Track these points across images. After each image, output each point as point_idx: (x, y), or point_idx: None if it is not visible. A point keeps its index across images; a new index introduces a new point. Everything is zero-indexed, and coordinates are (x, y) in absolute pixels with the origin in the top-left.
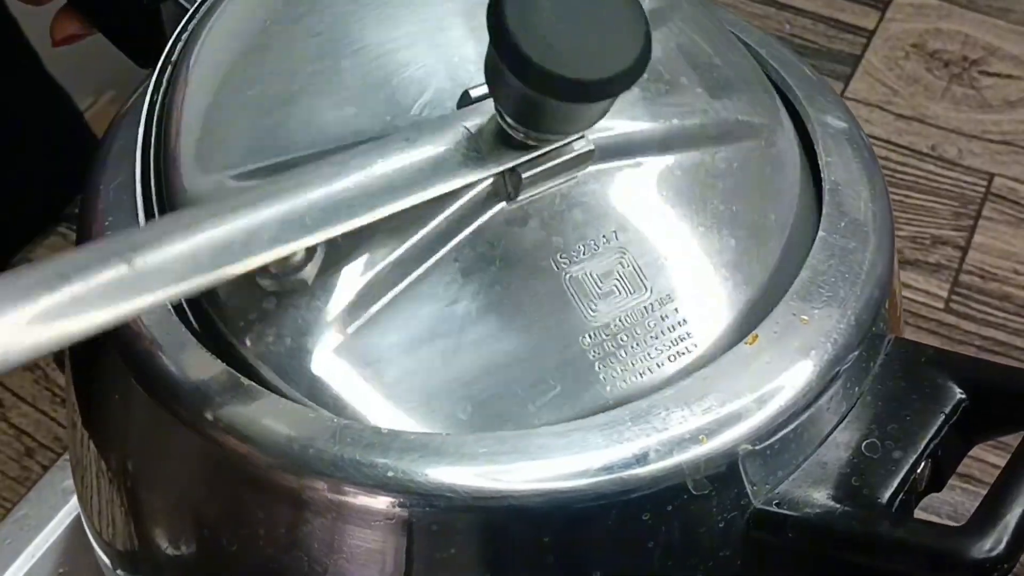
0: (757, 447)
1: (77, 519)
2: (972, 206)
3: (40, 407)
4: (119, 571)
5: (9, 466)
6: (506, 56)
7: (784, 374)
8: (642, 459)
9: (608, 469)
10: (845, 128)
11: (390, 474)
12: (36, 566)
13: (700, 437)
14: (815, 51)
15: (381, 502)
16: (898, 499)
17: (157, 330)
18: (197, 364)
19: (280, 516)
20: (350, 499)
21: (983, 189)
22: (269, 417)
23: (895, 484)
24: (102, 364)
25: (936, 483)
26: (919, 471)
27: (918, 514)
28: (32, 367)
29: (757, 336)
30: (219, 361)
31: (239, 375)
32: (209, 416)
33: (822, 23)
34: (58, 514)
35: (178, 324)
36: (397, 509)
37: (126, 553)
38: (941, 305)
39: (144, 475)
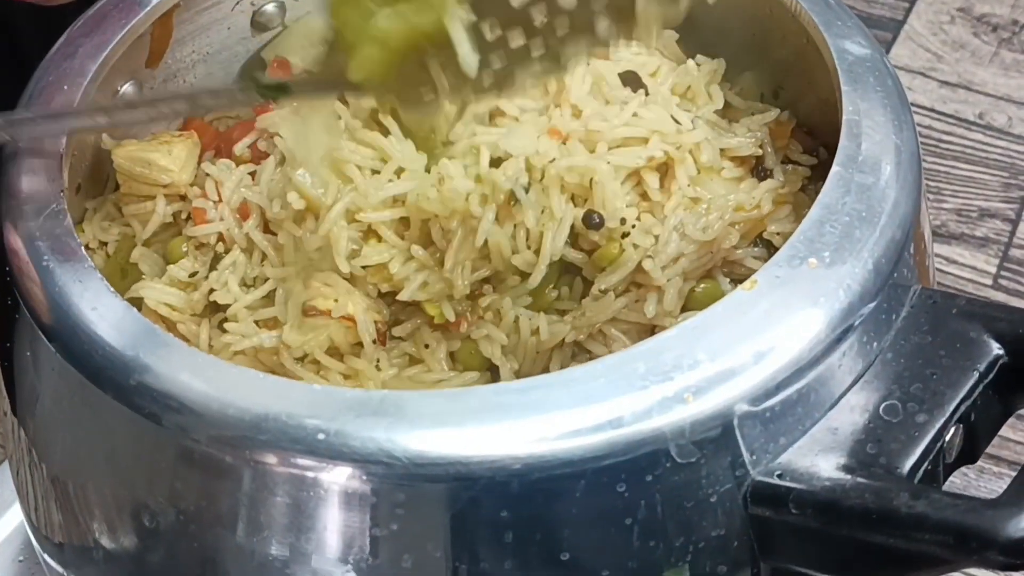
0: (755, 408)
1: None
2: (1023, 177)
3: None
4: (55, 564)
5: None
6: None
7: (787, 325)
8: (616, 421)
9: (576, 433)
10: (867, 55)
11: (320, 437)
12: None
13: (685, 396)
14: None
15: (310, 470)
16: (921, 469)
17: (67, 278)
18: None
19: (197, 486)
20: (276, 467)
21: None
22: (186, 373)
23: (918, 452)
24: (19, 330)
25: (969, 453)
26: (948, 438)
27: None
28: None
29: (756, 281)
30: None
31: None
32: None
33: None
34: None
35: (92, 271)
36: (329, 478)
37: (63, 546)
38: (989, 281)
39: (70, 456)
